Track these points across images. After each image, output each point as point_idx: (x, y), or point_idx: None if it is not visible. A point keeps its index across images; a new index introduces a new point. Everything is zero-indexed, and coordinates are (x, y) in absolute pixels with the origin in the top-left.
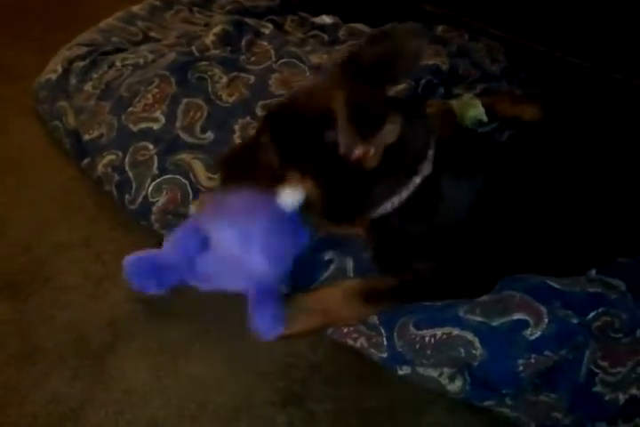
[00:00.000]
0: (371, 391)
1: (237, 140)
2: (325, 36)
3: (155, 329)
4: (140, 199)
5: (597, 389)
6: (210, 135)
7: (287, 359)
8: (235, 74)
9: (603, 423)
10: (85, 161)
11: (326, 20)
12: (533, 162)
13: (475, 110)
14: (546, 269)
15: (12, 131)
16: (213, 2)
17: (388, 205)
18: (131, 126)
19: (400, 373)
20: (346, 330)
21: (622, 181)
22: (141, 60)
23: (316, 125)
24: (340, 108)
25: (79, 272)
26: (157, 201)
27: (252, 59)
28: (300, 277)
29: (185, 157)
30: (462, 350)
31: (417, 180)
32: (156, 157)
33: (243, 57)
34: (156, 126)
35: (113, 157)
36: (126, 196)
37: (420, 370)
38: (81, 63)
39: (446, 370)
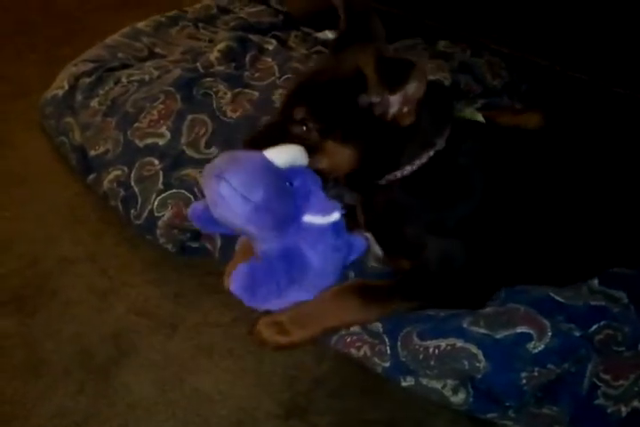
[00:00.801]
0: (374, 404)
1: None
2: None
3: (159, 343)
4: (145, 214)
5: (600, 401)
6: (214, 151)
7: (291, 372)
8: (239, 90)
9: None
10: (91, 177)
11: (329, 35)
12: (539, 168)
13: None
14: (546, 274)
15: (18, 145)
16: (218, 18)
17: (399, 173)
18: (136, 142)
19: (403, 384)
20: (349, 339)
21: (623, 191)
22: (147, 77)
23: (350, 91)
24: (368, 66)
25: (84, 286)
26: (163, 216)
27: (256, 75)
28: None
29: (190, 172)
30: (466, 363)
31: (431, 152)
32: (161, 173)
33: (247, 73)
34: (161, 142)
35: (119, 172)
36: (132, 211)
37: (424, 381)
38: (87, 79)
39: (450, 382)
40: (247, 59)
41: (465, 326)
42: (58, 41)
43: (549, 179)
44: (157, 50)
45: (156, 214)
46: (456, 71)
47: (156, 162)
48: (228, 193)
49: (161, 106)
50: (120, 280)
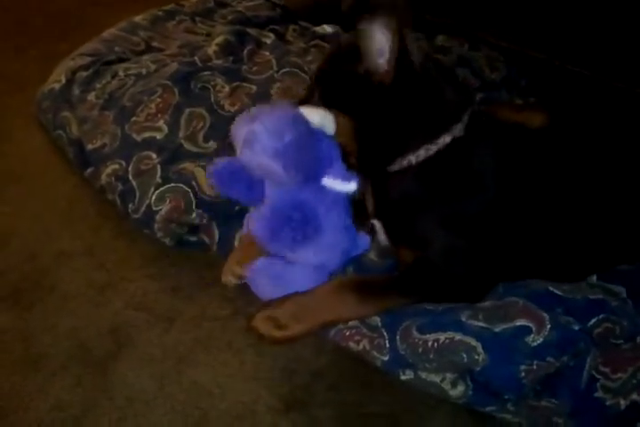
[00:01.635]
0: (374, 397)
1: None
2: (327, 46)
3: (157, 337)
4: (143, 208)
5: (598, 394)
6: (212, 144)
7: (290, 365)
8: (237, 84)
9: None
10: (89, 170)
11: (327, 29)
12: (548, 165)
13: None
14: (548, 270)
15: (15, 140)
16: (215, 12)
17: (413, 158)
18: (134, 136)
19: (403, 377)
20: (348, 333)
21: (623, 188)
22: (144, 70)
23: (349, 60)
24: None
25: (82, 281)
26: (161, 210)
27: (254, 69)
28: None
29: (188, 165)
30: (465, 356)
31: (447, 138)
32: (159, 167)
33: (245, 67)
34: (159, 136)
35: (116, 166)
36: (130, 205)
37: (423, 375)
38: (84, 73)
39: (449, 375)
40: (245, 52)
41: (464, 319)
42: (56, 36)
43: (557, 175)
44: (155, 44)
45: (153, 208)
46: (454, 65)
47: (154, 156)
48: (261, 130)
49: (158, 100)
50: (118, 274)
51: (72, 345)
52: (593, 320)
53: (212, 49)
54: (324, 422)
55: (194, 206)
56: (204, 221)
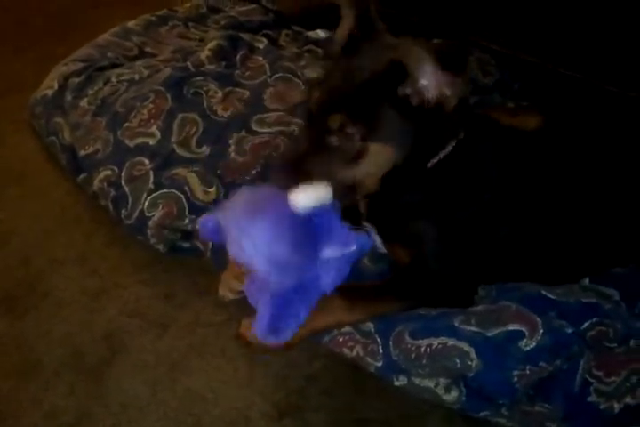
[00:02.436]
0: (367, 402)
1: (232, 154)
2: (320, 51)
3: (151, 343)
4: (136, 214)
5: (592, 398)
6: (205, 149)
7: (283, 371)
8: (230, 89)
9: None
10: (81, 176)
11: (321, 34)
12: (544, 167)
13: None
14: (539, 272)
15: (9, 144)
16: (208, 17)
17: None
18: (126, 142)
19: (396, 383)
20: (341, 339)
21: (616, 191)
22: (137, 76)
23: (387, 86)
24: (411, 57)
25: (75, 287)
26: (153, 215)
27: (247, 73)
28: None
29: (180, 171)
30: (458, 361)
31: (454, 142)
32: (151, 172)
33: (237, 72)
34: (151, 141)
35: (109, 172)
36: (122, 211)
37: (417, 380)
38: (77, 79)
39: (442, 380)
40: (238, 57)
41: (456, 324)
42: (52, 39)
43: (551, 177)
44: (147, 49)
45: (146, 214)
46: None
47: (147, 162)
48: (251, 251)
49: (151, 105)
50: (111, 280)
51: (66, 352)
52: (586, 323)
53: (204, 54)
54: (318, 426)
55: (187, 212)
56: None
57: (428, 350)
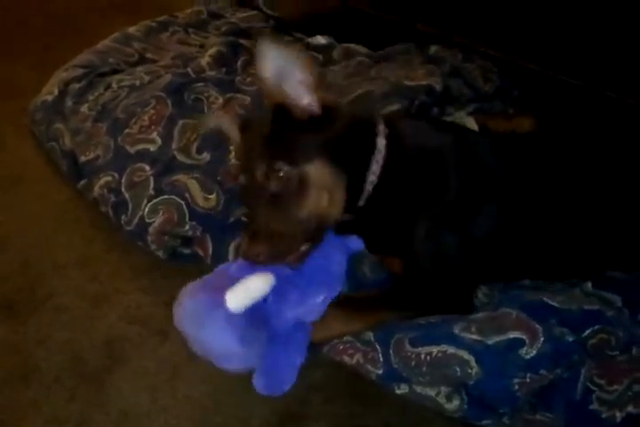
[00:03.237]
0: (369, 410)
1: (233, 161)
2: (320, 57)
3: (151, 350)
4: (136, 220)
5: (594, 407)
6: (206, 156)
7: None
8: (230, 95)
9: None
10: (82, 182)
11: (321, 40)
12: (536, 170)
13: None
14: (533, 273)
15: (10, 149)
16: (209, 23)
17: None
18: (127, 148)
19: (398, 391)
20: (342, 347)
21: (614, 194)
22: (137, 82)
23: (279, 117)
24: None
25: (75, 293)
26: (154, 222)
27: (248, 80)
28: None
29: (181, 177)
30: (458, 369)
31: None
32: (152, 178)
33: (238, 78)
34: (152, 148)
35: (109, 178)
36: (122, 217)
37: (418, 389)
38: (77, 85)
39: (444, 389)
40: (238, 64)
41: (456, 332)
42: (52, 44)
43: (546, 182)
44: (148, 55)
45: (146, 220)
46: (447, 76)
47: (147, 168)
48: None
49: (152, 111)
50: (111, 287)
51: (66, 358)
52: (588, 331)
53: (205, 60)
54: None
55: (187, 218)
56: (198, 233)
57: (428, 358)
